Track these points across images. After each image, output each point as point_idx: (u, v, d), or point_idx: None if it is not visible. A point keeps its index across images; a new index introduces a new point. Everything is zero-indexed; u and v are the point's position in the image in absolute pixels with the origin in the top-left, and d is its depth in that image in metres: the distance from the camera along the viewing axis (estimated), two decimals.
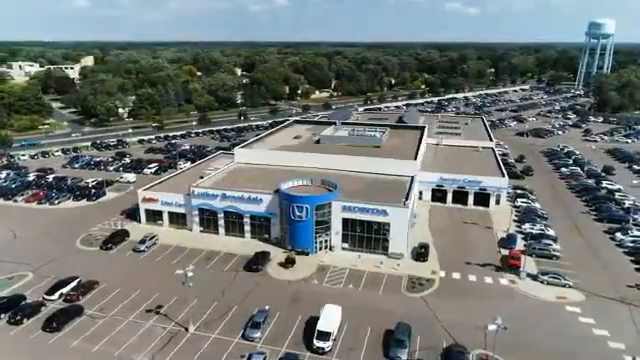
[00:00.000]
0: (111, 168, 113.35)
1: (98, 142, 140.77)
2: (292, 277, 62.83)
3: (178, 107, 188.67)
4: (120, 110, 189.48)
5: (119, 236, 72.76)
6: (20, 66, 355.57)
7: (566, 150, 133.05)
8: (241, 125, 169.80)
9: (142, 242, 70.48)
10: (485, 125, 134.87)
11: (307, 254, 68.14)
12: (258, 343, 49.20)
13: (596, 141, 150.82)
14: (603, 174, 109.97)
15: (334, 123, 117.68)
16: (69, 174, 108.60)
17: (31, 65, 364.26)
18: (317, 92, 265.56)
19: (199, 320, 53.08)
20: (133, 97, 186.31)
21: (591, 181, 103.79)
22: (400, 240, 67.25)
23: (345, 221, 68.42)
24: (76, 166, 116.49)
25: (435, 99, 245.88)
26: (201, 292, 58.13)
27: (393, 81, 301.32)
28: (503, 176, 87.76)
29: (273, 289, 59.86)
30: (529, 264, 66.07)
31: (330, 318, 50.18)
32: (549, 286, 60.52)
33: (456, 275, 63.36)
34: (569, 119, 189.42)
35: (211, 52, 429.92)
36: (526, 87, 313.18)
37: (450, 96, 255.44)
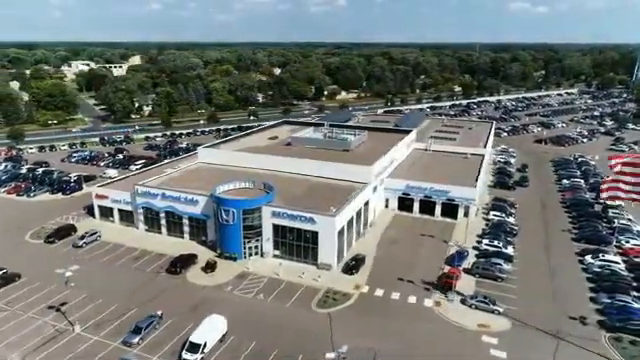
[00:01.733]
0: (102, 164, 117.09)
1: (106, 138, 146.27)
2: (209, 282, 61.05)
3: (197, 105, 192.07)
4: (144, 107, 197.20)
5: (64, 230, 74.32)
6: (76, 65, 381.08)
7: (580, 160, 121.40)
8: (247, 125, 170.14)
9: (82, 238, 71.58)
10: (490, 131, 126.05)
11: (235, 259, 66.13)
12: (134, 349, 47.94)
13: (623, 151, 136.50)
14: None
15: (322, 125, 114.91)
16: (64, 168, 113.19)
17: (87, 64, 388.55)
18: (344, 93, 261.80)
19: (92, 320, 52.67)
20: (153, 95, 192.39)
21: (589, 195, 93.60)
22: (329, 250, 63.52)
23: (276, 227, 65.67)
24: (72, 160, 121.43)
25: (465, 102, 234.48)
26: (110, 292, 58.14)
27: (426, 82, 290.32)
28: (473, 186, 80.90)
29: (182, 294, 58.40)
30: (469, 284, 60.49)
31: (208, 329, 47.92)
32: (476, 311, 54.60)
33: (380, 292, 58.82)
34: (604, 126, 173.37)
35: (256, 52, 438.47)
36: (573, 91, 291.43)
37: (482, 99, 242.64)
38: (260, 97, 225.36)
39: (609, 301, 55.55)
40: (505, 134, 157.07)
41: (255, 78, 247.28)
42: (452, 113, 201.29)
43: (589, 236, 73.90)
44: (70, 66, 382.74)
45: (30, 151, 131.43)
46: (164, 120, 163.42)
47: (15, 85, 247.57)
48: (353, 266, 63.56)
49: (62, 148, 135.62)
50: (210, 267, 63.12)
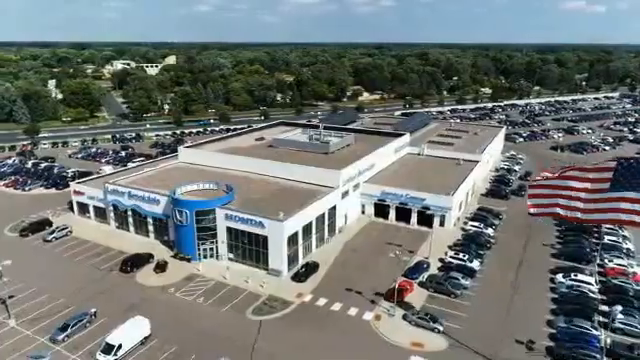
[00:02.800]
0: (103, 160, 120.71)
1: (117, 135, 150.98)
2: (156, 283, 61.11)
3: (212, 104, 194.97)
4: (165, 106, 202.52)
5: (40, 224, 76.83)
6: (117, 65, 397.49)
7: None
8: (257, 125, 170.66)
9: (52, 232, 73.71)
10: (496, 136, 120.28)
11: (189, 260, 65.97)
12: (58, 345, 48.51)
13: None
14: None
15: (317, 126, 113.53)
16: (69, 164, 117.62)
17: (127, 64, 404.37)
18: (366, 94, 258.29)
19: (31, 315, 53.81)
20: (172, 94, 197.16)
21: None
22: (278, 256, 62.07)
23: (229, 230, 64.91)
24: (78, 157, 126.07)
25: (490, 104, 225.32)
26: (59, 287, 59.32)
27: (453, 84, 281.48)
28: (449, 195, 76.87)
29: (125, 293, 58.68)
30: (420, 299, 57.44)
31: (128, 331, 47.74)
32: (416, 328, 51.58)
33: (322, 302, 56.83)
34: (634, 133, 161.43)
35: (289, 53, 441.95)
36: (614, 95, 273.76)
37: (510, 102, 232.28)
38: (279, 97, 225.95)
39: (565, 325, 51.00)
40: (521, 140, 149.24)
41: (279, 78, 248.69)
42: (472, 116, 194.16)
43: (569, 253, 68.47)
44: (112, 65, 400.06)
45: (44, 146, 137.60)
46: (175, 119, 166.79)
47: (52, 83, 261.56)
48: (303, 273, 61.87)
49: (74, 144, 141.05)
50: (160, 268, 63.22)
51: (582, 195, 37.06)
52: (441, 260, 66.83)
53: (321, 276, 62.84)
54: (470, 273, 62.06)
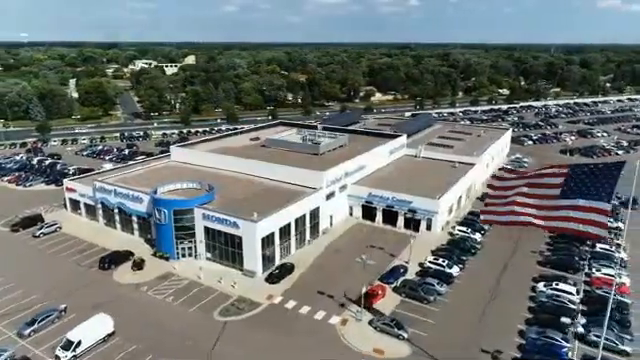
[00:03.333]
0: (107, 158, 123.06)
1: (125, 134, 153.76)
2: (131, 280, 61.72)
3: (221, 104, 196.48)
4: (177, 105, 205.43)
5: (32, 220, 78.69)
6: (138, 64, 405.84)
7: None
8: (264, 124, 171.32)
9: (40, 228, 75.42)
10: (499, 139, 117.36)
11: (167, 259, 66.43)
12: (24, 340, 49.42)
13: None
14: (618, 206, 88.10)
15: (315, 127, 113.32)
16: (73, 161, 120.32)
17: (149, 63, 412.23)
18: (379, 95, 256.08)
19: (3, 309, 54.98)
20: (183, 94, 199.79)
21: None
22: (252, 256, 61.86)
23: (207, 230, 65.05)
24: (84, 154, 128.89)
25: (505, 106, 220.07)
26: (36, 282, 60.52)
27: (469, 85, 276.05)
28: (436, 198, 75.16)
29: (99, 290, 59.34)
30: (391, 304, 56.36)
31: (89, 328, 48.29)
32: (380, 334, 50.53)
33: (291, 304, 56.33)
34: None
35: (307, 53, 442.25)
36: (638, 97, 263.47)
37: (526, 104, 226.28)
38: (290, 97, 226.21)
39: (535, 336, 49.08)
40: (530, 142, 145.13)
41: (294, 78, 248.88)
42: (484, 118, 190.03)
43: (556, 261, 66.01)
44: (134, 65, 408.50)
45: (53, 144, 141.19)
46: (183, 118, 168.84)
47: (72, 82, 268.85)
48: (277, 275, 61.48)
49: (83, 142, 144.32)
50: (137, 266, 63.80)
51: (534, 201, 35.51)
52: (421, 265, 65.41)
53: (295, 278, 62.31)
54: (447, 279, 60.46)
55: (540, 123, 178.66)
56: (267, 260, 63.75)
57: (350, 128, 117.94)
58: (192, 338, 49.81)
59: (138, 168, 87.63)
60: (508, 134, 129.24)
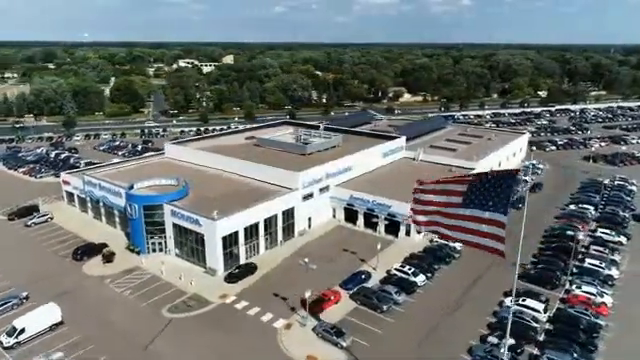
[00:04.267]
0: (119, 153, 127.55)
1: (145, 130, 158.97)
2: (97, 273, 63.32)
3: (247, 102, 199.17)
4: (204, 103, 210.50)
5: (28, 210, 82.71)
6: (180, 63, 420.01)
7: (618, 184, 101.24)
8: (266, 123, 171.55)
9: (32, 218, 79.10)
10: (511, 143, 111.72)
11: (138, 253, 67.76)
12: None
13: None
14: (627, 219, 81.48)
15: (318, 127, 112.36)
16: (89, 155, 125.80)
17: (190, 62, 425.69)
18: (407, 95, 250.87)
19: None
20: (208, 92, 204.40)
21: (588, 226, 77.78)
22: (213, 255, 61.90)
23: (175, 226, 65.78)
24: (101, 149, 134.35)
25: (538, 109, 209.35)
26: (10, 270, 63.28)
27: (505, 86, 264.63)
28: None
29: (66, 280, 61.28)
30: (343, 310, 54.70)
31: (36, 316, 49.93)
32: (321, 341, 49.02)
33: (242, 305, 55.86)
34: None
35: (344, 53, 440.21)
36: None
37: (563, 107, 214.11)
38: (315, 97, 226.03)
39: (482, 354, 45.92)
40: (553, 148, 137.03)
41: (325, 77, 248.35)
42: (512, 121, 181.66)
43: (533, 275, 61.64)
44: (177, 64, 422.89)
45: (77, 138, 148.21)
46: (202, 116, 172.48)
47: (113, 80, 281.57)
48: (236, 274, 61.18)
49: (104, 137, 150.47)
50: (106, 258, 65.39)
51: (439, 209, 33.14)
52: (388, 272, 63.04)
53: (256, 279, 61.75)
54: (409, 288, 57.85)
55: (571, 128, 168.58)
56: (231, 259, 63.62)
57: (357, 129, 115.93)
58: (135, 333, 50.38)
59: (133, 164, 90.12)
60: (524, 138, 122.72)
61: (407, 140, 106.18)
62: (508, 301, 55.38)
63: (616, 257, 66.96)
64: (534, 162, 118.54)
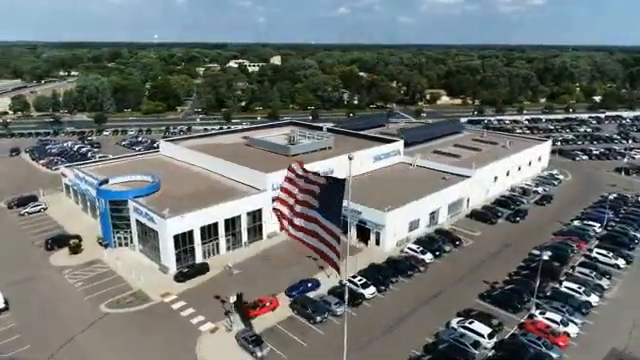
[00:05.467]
0: (136, 149, 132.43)
1: (170, 128, 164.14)
2: (61, 263, 65.26)
3: (275, 102, 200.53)
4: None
5: (26, 200, 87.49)
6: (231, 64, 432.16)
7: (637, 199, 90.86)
8: (273, 123, 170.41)
9: (26, 207, 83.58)
10: (526, 150, 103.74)
11: (106, 246, 69.44)
12: None
13: None
14: (637, 239, 72.69)
15: (321, 128, 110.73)
16: (111, 150, 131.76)
17: (240, 63, 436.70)
18: (446, 98, 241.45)
19: None
20: (239, 92, 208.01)
21: (585, 246, 70.10)
22: (166, 252, 62.07)
23: (138, 222, 66.71)
24: (122, 144, 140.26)
25: (585, 115, 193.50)
26: None
27: (553, 90, 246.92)
28: (384, 211, 68.28)
29: (30, 268, 63.76)
30: (277, 318, 52.91)
31: None
32: (239, 348, 47.40)
33: (179, 305, 55.48)
34: None
35: (391, 55, 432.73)
36: None
37: (614, 113, 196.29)
38: (346, 97, 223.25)
39: None
40: (585, 157, 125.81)
41: (370, 79, 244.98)
42: (550, 127, 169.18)
43: (496, 296, 56.20)
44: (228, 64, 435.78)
45: (105, 134, 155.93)
46: (225, 115, 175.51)
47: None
48: (185, 274, 60.91)
49: (130, 133, 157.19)
50: (72, 250, 67.48)
51: (292, 205, 31.00)
52: (340, 282, 60.03)
53: (205, 279, 61.19)
54: (353, 300, 54.70)
55: (616, 136, 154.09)
56: (186, 258, 63.50)
57: (360, 132, 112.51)
58: (68, 325, 51.32)
59: (127, 159, 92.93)
60: (546, 146, 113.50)
61: (412, 144, 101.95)
62: (454, 322, 50.92)
63: (604, 282, 59.64)
64: (554, 172, 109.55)
